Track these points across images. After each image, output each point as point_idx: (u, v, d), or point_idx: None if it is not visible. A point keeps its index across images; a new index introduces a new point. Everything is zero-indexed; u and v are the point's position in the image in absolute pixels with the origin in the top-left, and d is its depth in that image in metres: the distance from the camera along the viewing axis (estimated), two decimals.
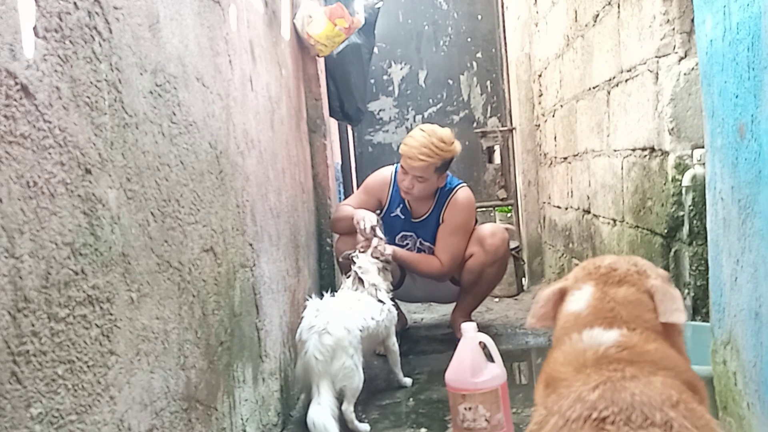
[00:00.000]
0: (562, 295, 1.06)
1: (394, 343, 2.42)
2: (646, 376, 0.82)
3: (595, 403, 0.78)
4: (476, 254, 2.85)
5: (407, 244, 2.93)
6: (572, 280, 1.07)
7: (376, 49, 3.96)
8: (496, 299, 3.71)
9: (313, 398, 1.95)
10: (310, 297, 2.17)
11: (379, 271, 2.46)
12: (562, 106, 3.23)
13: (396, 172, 2.86)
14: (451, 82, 4.40)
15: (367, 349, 2.25)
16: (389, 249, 2.60)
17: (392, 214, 2.90)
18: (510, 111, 4.35)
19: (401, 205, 2.88)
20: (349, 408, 2.00)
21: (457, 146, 2.76)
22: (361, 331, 2.11)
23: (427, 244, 2.89)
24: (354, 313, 2.14)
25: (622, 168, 2.28)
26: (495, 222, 4.76)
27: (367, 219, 2.60)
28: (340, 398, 2.00)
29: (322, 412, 1.89)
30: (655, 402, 0.76)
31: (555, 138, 3.46)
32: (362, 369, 2.07)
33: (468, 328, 1.85)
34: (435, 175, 2.71)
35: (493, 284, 3.01)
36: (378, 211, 2.96)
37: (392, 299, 2.47)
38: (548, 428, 0.79)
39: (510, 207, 4.62)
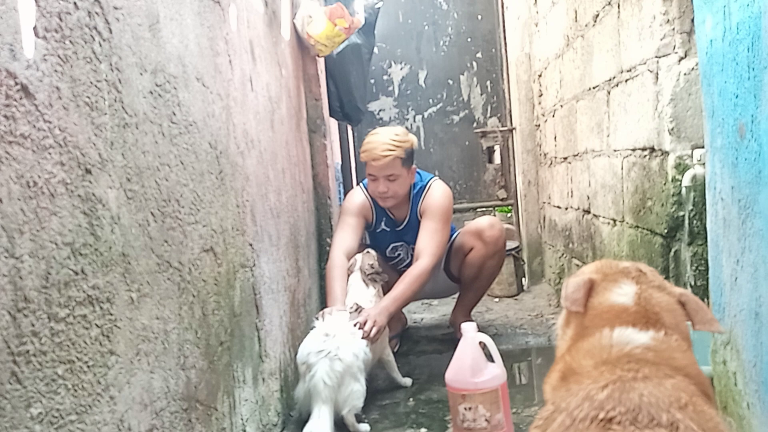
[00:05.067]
0: (590, 287, 1.05)
1: (388, 353, 2.42)
2: (660, 378, 0.81)
3: (602, 403, 0.78)
4: (476, 247, 2.84)
5: (399, 254, 2.89)
6: (600, 275, 1.06)
7: (376, 49, 3.95)
8: (496, 299, 3.71)
9: (312, 415, 1.95)
10: (317, 318, 2.17)
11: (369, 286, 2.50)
12: (562, 106, 3.23)
13: (366, 189, 2.82)
14: (451, 82, 4.40)
15: (370, 367, 2.26)
16: (377, 326, 2.26)
17: (378, 230, 2.87)
18: (510, 111, 4.35)
19: (385, 218, 2.84)
20: (350, 414, 2.00)
21: (413, 137, 2.75)
22: (365, 354, 2.11)
23: None
24: (357, 336, 2.14)
25: (622, 168, 2.28)
26: None
27: (335, 319, 2.25)
28: (339, 415, 2.01)
29: (321, 425, 1.89)
30: (663, 403, 0.76)
31: (555, 138, 3.46)
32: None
33: (468, 328, 1.85)
34: (404, 169, 2.66)
35: (492, 277, 2.99)
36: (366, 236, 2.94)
37: None
38: (555, 426, 0.79)
39: (510, 207, 4.62)
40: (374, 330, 2.20)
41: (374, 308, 2.33)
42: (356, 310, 2.29)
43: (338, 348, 2.00)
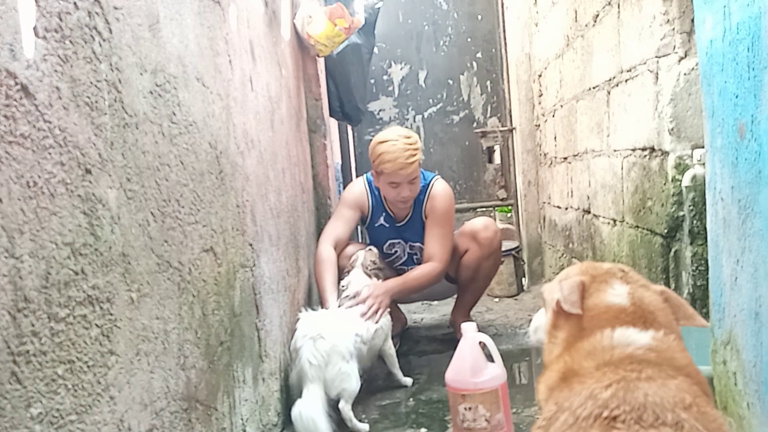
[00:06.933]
0: (582, 288, 1.06)
1: (390, 346, 2.42)
2: (663, 378, 0.81)
3: (606, 402, 0.78)
4: (471, 249, 2.84)
5: (396, 251, 2.88)
6: (587, 277, 1.07)
7: (376, 49, 3.95)
8: (496, 299, 3.71)
9: (302, 395, 1.95)
10: (305, 309, 2.19)
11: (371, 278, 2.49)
12: (562, 106, 3.23)
13: (369, 182, 2.81)
14: (451, 82, 4.40)
15: (371, 357, 2.25)
16: (382, 311, 2.38)
17: (376, 225, 2.85)
18: (510, 111, 4.35)
19: (384, 214, 2.83)
20: (347, 406, 1.99)
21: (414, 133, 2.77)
22: (357, 336, 2.11)
23: (417, 245, 2.84)
24: (350, 320, 2.17)
25: (622, 168, 2.28)
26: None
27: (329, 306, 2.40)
28: (335, 401, 2.00)
29: (309, 405, 1.88)
30: (668, 403, 0.76)
31: (555, 138, 3.46)
32: (359, 374, 2.07)
33: (468, 328, 1.85)
34: (419, 168, 2.70)
35: (489, 278, 2.99)
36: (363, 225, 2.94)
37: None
38: (558, 425, 0.79)
39: (510, 207, 4.62)
40: (376, 308, 2.29)
41: (377, 288, 2.40)
42: (355, 296, 2.34)
43: (322, 328, 2.03)
